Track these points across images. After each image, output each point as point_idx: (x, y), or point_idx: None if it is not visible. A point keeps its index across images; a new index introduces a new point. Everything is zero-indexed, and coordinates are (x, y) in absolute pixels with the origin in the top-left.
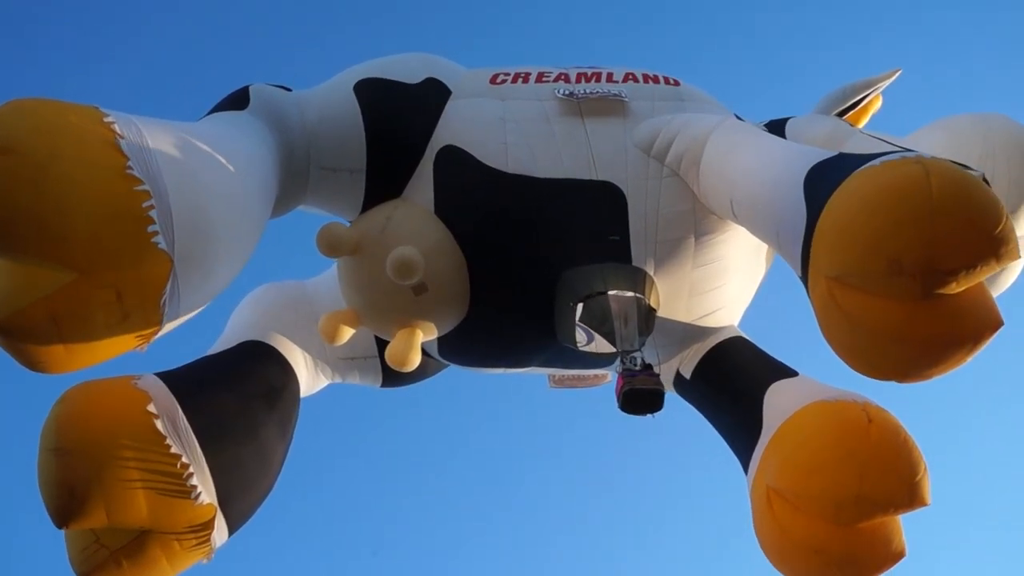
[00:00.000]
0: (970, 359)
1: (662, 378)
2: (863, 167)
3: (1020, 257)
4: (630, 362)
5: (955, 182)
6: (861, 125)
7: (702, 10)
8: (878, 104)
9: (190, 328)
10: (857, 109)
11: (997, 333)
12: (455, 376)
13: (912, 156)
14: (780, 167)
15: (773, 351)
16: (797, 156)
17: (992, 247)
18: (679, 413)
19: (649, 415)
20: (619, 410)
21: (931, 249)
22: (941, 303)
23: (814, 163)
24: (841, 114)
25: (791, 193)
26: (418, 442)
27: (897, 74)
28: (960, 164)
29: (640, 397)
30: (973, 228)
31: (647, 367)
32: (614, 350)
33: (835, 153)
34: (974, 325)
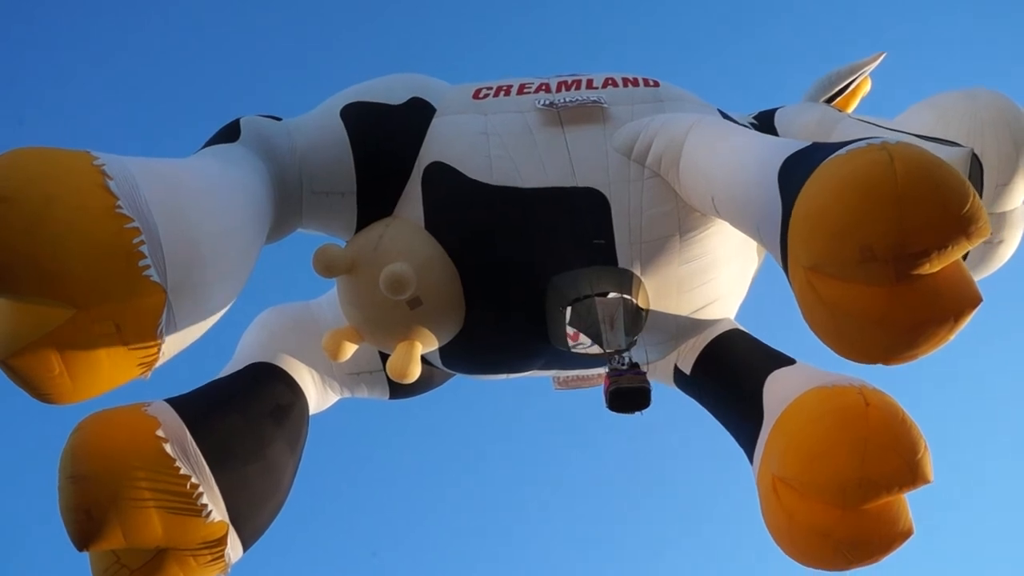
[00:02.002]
0: (953, 337)
1: (660, 375)
2: (830, 157)
3: (990, 234)
4: (617, 362)
5: (920, 165)
6: (851, 109)
7: (693, 5)
8: (867, 87)
9: (202, 353)
10: (846, 94)
11: (977, 310)
12: (460, 384)
13: (877, 142)
14: (757, 162)
15: (774, 341)
16: (772, 150)
17: (961, 226)
18: (682, 411)
19: (637, 413)
20: (607, 409)
21: (900, 233)
22: (918, 284)
23: (787, 155)
24: (831, 100)
25: (767, 187)
26: (419, 446)
27: (882, 57)
28: (948, 142)
29: (626, 396)
30: (940, 209)
31: (634, 366)
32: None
33: (808, 144)
34: (953, 304)
